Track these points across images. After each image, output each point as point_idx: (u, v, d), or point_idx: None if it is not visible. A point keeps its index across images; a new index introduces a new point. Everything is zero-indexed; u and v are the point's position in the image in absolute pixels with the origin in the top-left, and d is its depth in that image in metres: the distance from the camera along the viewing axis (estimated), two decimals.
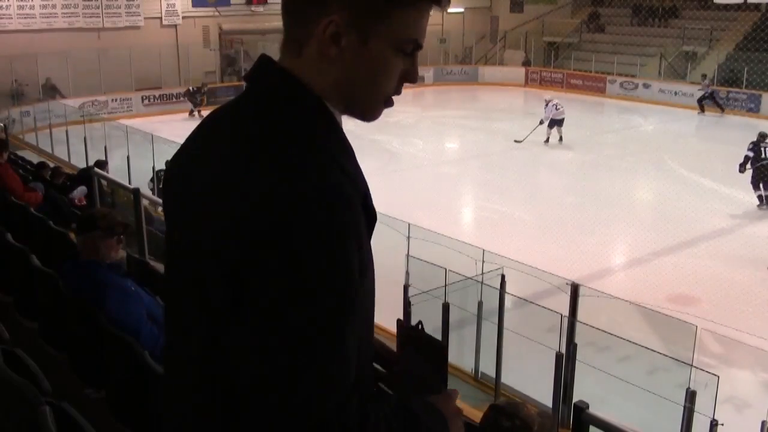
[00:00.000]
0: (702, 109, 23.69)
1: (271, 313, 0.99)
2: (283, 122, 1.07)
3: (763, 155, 14.20)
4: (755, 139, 14.63)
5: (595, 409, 2.46)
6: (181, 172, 1.19)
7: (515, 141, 17.75)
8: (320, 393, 0.99)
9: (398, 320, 1.73)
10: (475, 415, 2.98)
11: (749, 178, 13.98)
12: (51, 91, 21.24)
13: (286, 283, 0.98)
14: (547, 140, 18.93)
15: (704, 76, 24.09)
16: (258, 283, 0.99)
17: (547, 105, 18.78)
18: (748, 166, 14.09)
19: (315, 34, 1.07)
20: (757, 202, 13.84)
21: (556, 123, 18.71)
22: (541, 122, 18.66)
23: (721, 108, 23.56)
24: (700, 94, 23.83)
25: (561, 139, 18.93)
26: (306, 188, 1.00)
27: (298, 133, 1.08)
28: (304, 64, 1.11)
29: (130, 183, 11.67)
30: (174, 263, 1.20)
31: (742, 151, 14.07)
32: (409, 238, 8.32)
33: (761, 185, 13.94)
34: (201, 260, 1.06)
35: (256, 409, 1.02)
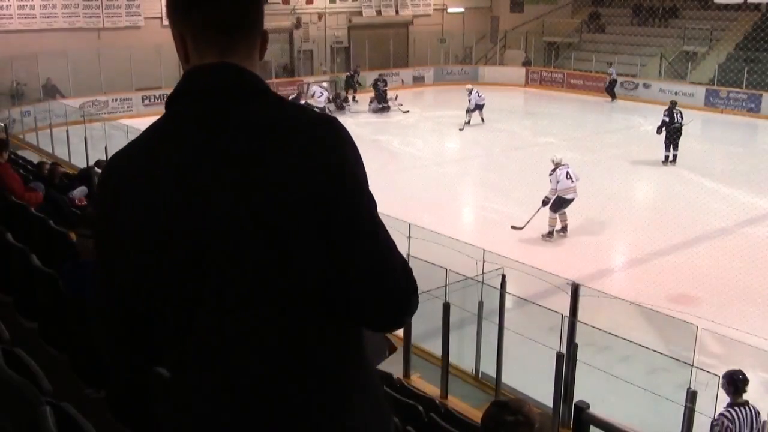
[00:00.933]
0: (613, 96, 25.80)
1: (367, 218, 1.31)
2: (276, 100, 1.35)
3: (675, 120, 16.80)
4: (668, 106, 17.39)
5: (595, 409, 2.46)
6: (184, 175, 1.24)
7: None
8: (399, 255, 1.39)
9: None
10: (476, 415, 2.98)
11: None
12: (51, 90, 21.24)
13: (362, 192, 1.32)
14: (468, 122, 21.30)
15: (609, 65, 26.57)
16: (344, 202, 1.27)
17: (470, 93, 21.25)
18: (663, 129, 16.85)
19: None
20: (663, 160, 16.96)
21: (478, 108, 21.22)
22: (469, 112, 21.24)
23: (612, 96, 25.90)
24: (607, 83, 26.15)
25: (483, 120, 21.50)
26: (328, 121, 1.35)
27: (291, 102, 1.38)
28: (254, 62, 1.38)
29: None
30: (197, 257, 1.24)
31: (743, 151, 14.17)
32: (409, 238, 8.33)
33: (671, 147, 16.86)
34: (263, 228, 1.22)
35: (370, 292, 1.31)
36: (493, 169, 17.30)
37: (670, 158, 16.92)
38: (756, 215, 13.20)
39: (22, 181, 7.39)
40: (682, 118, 17.09)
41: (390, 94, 23.75)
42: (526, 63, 30.49)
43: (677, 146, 16.90)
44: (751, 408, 5.48)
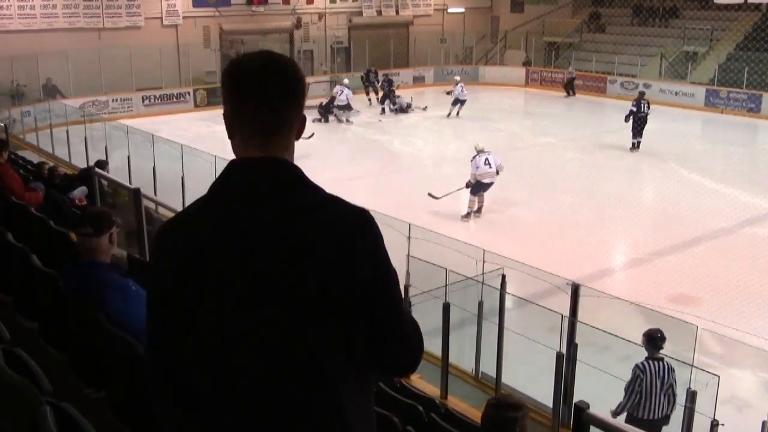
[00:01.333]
0: (568, 93, 26.89)
1: (394, 295, 1.55)
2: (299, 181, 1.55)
3: (641, 109, 18.14)
4: (637, 97, 18.85)
5: (595, 409, 2.46)
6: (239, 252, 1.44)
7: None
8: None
9: None
10: (476, 415, 2.99)
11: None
12: (51, 90, 21.23)
13: (389, 272, 1.52)
14: (449, 115, 22.66)
15: (568, 63, 28.08)
16: (377, 284, 1.49)
17: (457, 84, 22.52)
18: (631, 118, 18.21)
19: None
20: (630, 147, 18.21)
21: (459, 102, 22.49)
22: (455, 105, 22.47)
23: (567, 92, 27.02)
24: (568, 78, 27.25)
25: (458, 114, 22.66)
26: (362, 212, 1.53)
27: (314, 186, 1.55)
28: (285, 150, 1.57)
29: (130, 183, 11.67)
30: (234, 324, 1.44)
31: (743, 151, 14.19)
32: (409, 238, 8.32)
33: (637, 134, 18.21)
34: (295, 305, 1.42)
35: (391, 354, 1.57)
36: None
37: (636, 145, 18.33)
38: (756, 215, 13.20)
39: (22, 181, 7.39)
40: (648, 108, 18.34)
41: (400, 95, 23.94)
42: (526, 63, 30.48)
43: (642, 134, 18.25)
44: (666, 364, 6.04)
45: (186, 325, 1.45)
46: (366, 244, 1.47)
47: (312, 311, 1.42)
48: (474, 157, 13.03)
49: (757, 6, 25.16)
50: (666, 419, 6.09)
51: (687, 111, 23.88)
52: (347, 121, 22.02)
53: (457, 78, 23.57)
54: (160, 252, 1.53)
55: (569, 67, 27.98)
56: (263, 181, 1.47)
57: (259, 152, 1.49)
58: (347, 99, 21.90)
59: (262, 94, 1.47)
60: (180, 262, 1.46)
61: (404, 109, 23.60)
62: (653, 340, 6.11)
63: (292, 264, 1.41)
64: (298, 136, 1.56)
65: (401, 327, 1.55)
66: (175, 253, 1.48)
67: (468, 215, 13.16)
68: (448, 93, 22.98)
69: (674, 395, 6.00)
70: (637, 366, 6.06)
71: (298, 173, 1.51)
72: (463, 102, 22.62)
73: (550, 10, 31.50)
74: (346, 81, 22.67)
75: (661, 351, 6.11)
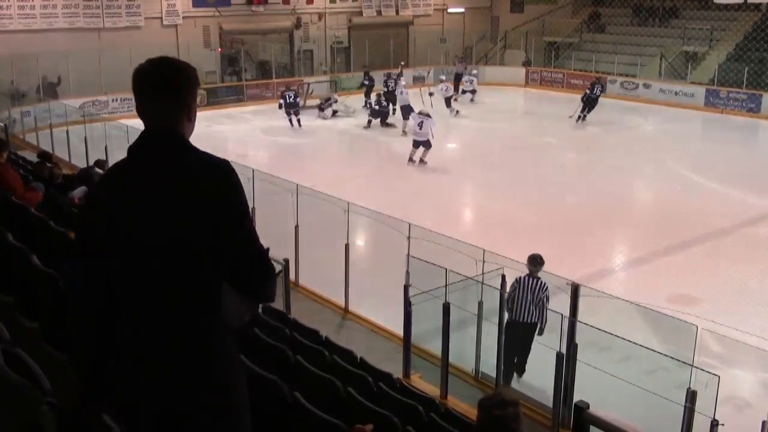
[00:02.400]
0: (456, 90, 25.40)
1: (245, 226, 2.07)
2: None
3: (593, 92, 21.88)
4: (593, 81, 22.74)
5: (595, 409, 2.46)
6: (132, 197, 2.03)
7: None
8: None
9: None
10: (475, 415, 2.98)
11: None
12: (48, 89, 21.17)
13: (243, 209, 2.07)
14: (457, 113, 23.20)
15: (457, 57, 28.46)
16: (231, 215, 2.04)
17: (442, 82, 23.58)
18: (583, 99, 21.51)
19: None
20: (576, 118, 21.51)
21: (445, 99, 23.24)
22: (431, 94, 22.74)
23: (456, 90, 25.47)
24: (456, 73, 26.88)
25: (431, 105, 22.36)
26: (221, 163, 2.07)
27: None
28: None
29: None
30: (138, 250, 2.00)
31: (743, 151, 14.20)
32: (409, 238, 8.32)
33: (585, 109, 21.68)
34: (175, 236, 1.99)
35: (246, 274, 2.08)
36: (493, 170, 17.30)
37: (582, 118, 21.67)
38: (756, 215, 13.21)
39: (22, 181, 7.39)
40: (600, 91, 22.01)
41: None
42: (526, 63, 30.48)
43: (589, 111, 21.70)
44: (540, 282, 7.28)
45: (110, 241, 2.01)
46: (226, 187, 2.02)
47: (192, 233, 1.98)
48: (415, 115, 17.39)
49: (757, 6, 25.16)
50: (534, 326, 7.31)
51: (687, 111, 23.88)
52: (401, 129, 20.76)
53: (442, 77, 24.59)
54: (91, 199, 2.26)
55: (460, 60, 28.43)
56: (154, 145, 2.08)
57: (153, 124, 2.11)
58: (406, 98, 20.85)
59: (146, 92, 2.13)
60: (102, 204, 2.07)
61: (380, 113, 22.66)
62: (534, 261, 7.40)
63: (174, 202, 1.97)
64: (188, 116, 2.13)
65: (253, 250, 2.06)
66: (101, 197, 2.11)
67: (410, 160, 17.07)
68: (431, 94, 22.75)
69: (545, 308, 7.21)
70: (515, 279, 7.32)
71: (177, 138, 2.08)
72: (449, 99, 23.23)
73: (549, 10, 31.50)
74: (403, 83, 22.34)
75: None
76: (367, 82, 24.53)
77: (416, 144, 16.93)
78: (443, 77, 24.92)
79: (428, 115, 17.13)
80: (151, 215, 1.97)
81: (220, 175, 2.02)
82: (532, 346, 7.40)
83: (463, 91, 25.47)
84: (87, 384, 2.08)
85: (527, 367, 7.60)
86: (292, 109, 21.41)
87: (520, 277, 7.37)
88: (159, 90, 2.10)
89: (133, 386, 2.05)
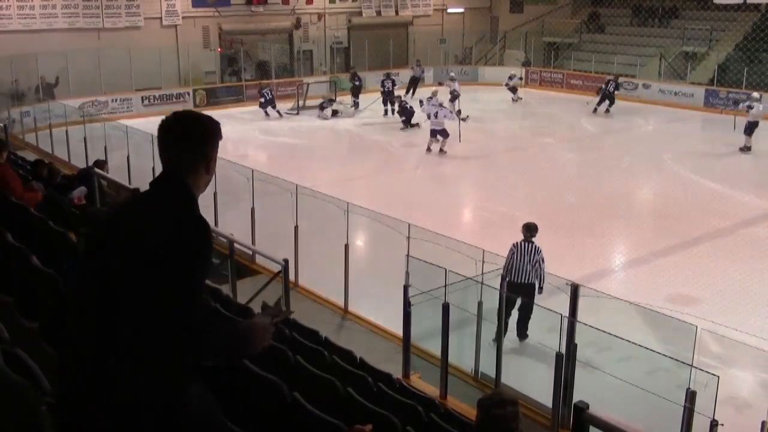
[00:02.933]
0: (413, 92, 25.64)
1: (184, 296, 2.07)
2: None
3: (607, 87, 23.26)
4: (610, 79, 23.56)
5: (595, 410, 2.46)
6: (116, 229, 2.18)
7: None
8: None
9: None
10: (475, 415, 2.98)
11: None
12: (47, 89, 21.15)
13: (192, 283, 2.10)
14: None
15: (417, 61, 27.88)
16: (177, 279, 2.06)
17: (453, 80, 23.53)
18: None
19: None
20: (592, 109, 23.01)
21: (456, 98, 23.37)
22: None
23: (412, 90, 25.78)
24: (415, 75, 26.78)
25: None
26: (198, 227, 2.14)
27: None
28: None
29: (130, 183, 11.68)
30: (103, 279, 2.11)
31: (742, 151, 14.07)
32: (409, 238, 8.32)
33: (599, 104, 23.33)
34: (135, 269, 2.06)
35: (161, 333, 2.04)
36: (493, 170, 17.30)
37: (595, 108, 23.40)
38: (756, 215, 13.21)
39: (21, 181, 7.38)
40: (614, 89, 23.38)
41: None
42: (526, 63, 30.47)
43: (607, 104, 23.32)
44: (534, 246, 8.22)
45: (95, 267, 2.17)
46: (188, 253, 2.07)
47: (147, 274, 2.04)
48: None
49: (757, 6, 25.16)
50: (533, 286, 8.15)
51: (686, 111, 23.89)
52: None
53: (452, 74, 24.40)
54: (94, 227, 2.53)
55: (417, 64, 27.65)
56: (154, 191, 2.23)
57: (168, 171, 2.23)
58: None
59: (165, 141, 2.23)
60: (99, 224, 2.35)
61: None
62: (528, 228, 8.40)
63: (144, 241, 2.06)
64: (206, 168, 2.25)
65: (179, 322, 2.03)
66: (99, 230, 2.30)
67: (428, 150, 17.78)
68: (465, 119, 21.39)
69: (541, 269, 8.14)
70: (513, 244, 8.29)
71: (182, 186, 2.20)
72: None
73: (549, 11, 31.50)
74: (453, 74, 23.10)
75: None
76: (357, 83, 24.46)
77: (434, 133, 17.38)
78: (453, 74, 24.76)
79: (442, 105, 17.89)
80: (123, 245, 2.09)
81: (192, 241, 2.08)
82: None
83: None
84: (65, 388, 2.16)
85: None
86: (270, 104, 22.57)
87: (516, 242, 8.28)
88: (178, 140, 2.22)
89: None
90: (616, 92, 23.44)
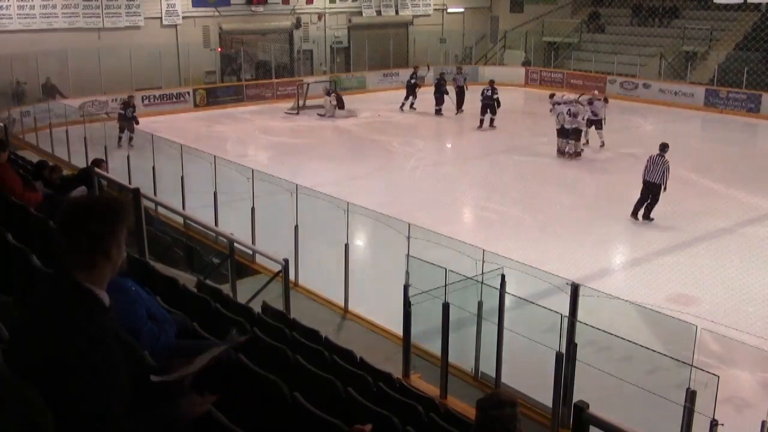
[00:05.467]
0: (413, 96, 23.90)
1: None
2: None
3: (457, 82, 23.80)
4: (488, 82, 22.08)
5: (595, 409, 2.46)
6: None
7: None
8: None
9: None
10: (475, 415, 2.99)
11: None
12: (51, 90, 21.20)
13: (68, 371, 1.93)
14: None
15: (459, 69, 25.24)
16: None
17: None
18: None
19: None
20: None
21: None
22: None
23: (414, 96, 24.04)
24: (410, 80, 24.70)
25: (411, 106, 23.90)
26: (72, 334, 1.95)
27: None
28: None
29: (130, 183, 11.67)
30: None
31: (742, 151, 14.18)
32: (409, 238, 8.32)
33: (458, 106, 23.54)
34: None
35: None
36: (493, 169, 17.30)
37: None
38: (756, 215, 13.21)
39: (22, 181, 7.38)
40: (460, 81, 23.72)
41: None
42: (526, 63, 30.48)
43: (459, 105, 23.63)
44: (663, 158, 12.68)
45: None
46: (63, 362, 1.88)
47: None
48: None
49: (757, 6, 25.16)
50: (659, 186, 12.63)
51: (687, 111, 23.89)
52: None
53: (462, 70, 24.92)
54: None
55: (422, 70, 25.04)
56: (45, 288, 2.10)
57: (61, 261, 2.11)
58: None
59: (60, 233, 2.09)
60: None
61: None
62: (662, 147, 12.79)
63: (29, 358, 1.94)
64: (107, 257, 2.05)
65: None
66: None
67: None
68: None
69: (665, 175, 12.53)
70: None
71: (72, 286, 2.02)
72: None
73: (549, 10, 31.51)
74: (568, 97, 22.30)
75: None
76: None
77: (565, 133, 17.41)
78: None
79: (575, 101, 17.79)
80: (21, 360, 1.97)
81: (69, 354, 1.89)
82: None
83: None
84: None
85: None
86: (125, 122, 18.36)
87: (651, 155, 13.02)
88: (69, 230, 2.07)
89: None
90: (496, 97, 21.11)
